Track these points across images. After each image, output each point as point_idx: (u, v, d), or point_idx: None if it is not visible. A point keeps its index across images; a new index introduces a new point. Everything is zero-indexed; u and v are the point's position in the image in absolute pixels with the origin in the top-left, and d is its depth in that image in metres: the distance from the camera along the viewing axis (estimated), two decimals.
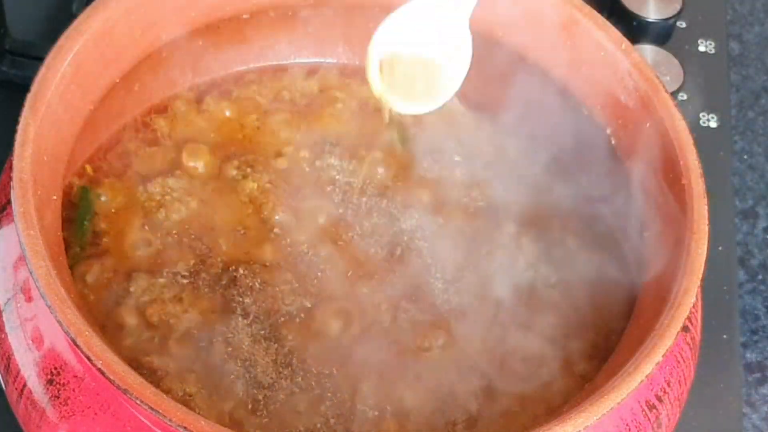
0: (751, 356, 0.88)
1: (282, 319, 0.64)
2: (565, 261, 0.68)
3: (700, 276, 0.58)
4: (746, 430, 0.83)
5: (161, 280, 0.64)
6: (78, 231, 0.66)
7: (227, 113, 0.73)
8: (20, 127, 0.59)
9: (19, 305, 0.58)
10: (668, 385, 0.60)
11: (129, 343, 0.62)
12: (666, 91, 0.66)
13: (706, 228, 0.60)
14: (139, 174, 0.69)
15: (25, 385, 0.57)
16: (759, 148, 1.00)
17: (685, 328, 0.60)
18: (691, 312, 0.57)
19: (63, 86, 0.61)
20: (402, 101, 0.64)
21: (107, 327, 0.62)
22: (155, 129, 0.71)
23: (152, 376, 0.60)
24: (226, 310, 0.64)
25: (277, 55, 0.76)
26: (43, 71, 0.61)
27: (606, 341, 0.65)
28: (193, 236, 0.67)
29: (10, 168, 0.58)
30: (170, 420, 0.50)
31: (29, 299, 0.58)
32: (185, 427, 0.50)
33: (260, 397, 0.61)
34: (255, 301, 0.64)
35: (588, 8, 0.69)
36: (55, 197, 0.60)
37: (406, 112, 0.66)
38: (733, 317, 0.80)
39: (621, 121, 0.68)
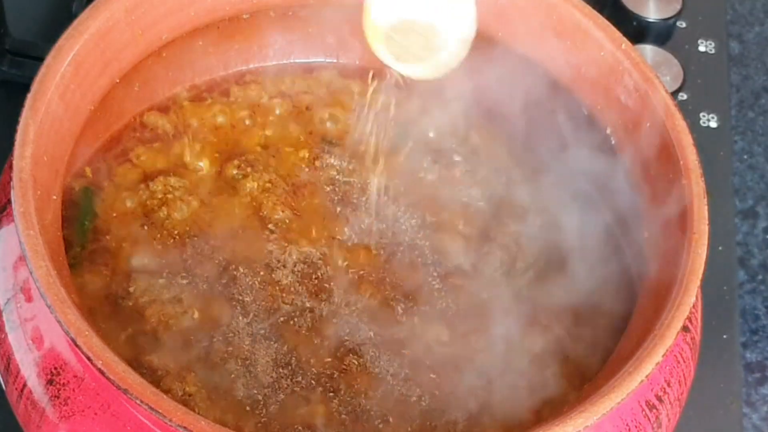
0: (751, 356, 0.88)
1: (282, 318, 0.64)
2: (565, 261, 0.68)
3: (700, 276, 0.58)
4: (746, 430, 0.83)
5: (161, 281, 0.64)
6: (78, 231, 0.66)
7: (227, 113, 0.73)
8: (20, 127, 0.59)
9: (19, 305, 0.58)
10: (668, 385, 0.60)
11: (129, 343, 0.62)
12: (666, 91, 0.66)
13: (706, 228, 0.60)
14: (140, 174, 0.69)
15: (25, 385, 0.57)
16: (759, 148, 1.00)
17: (685, 328, 0.60)
18: (691, 312, 0.57)
19: (63, 86, 0.61)
20: (408, 66, 0.64)
21: (107, 326, 0.62)
22: (155, 129, 0.71)
23: (152, 376, 0.60)
24: (225, 310, 0.64)
25: (277, 55, 0.76)
26: (43, 71, 0.61)
27: (606, 341, 0.65)
28: (193, 235, 0.67)
29: (10, 168, 0.58)
30: (170, 420, 0.50)
31: (29, 299, 0.58)
32: (185, 427, 0.50)
33: (260, 397, 0.61)
34: (255, 300, 0.64)
35: (588, 8, 0.69)
36: (55, 197, 0.60)
37: (415, 77, 0.65)
38: (733, 317, 0.80)
39: (621, 121, 0.68)
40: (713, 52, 0.94)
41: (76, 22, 0.64)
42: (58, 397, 0.56)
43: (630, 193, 0.67)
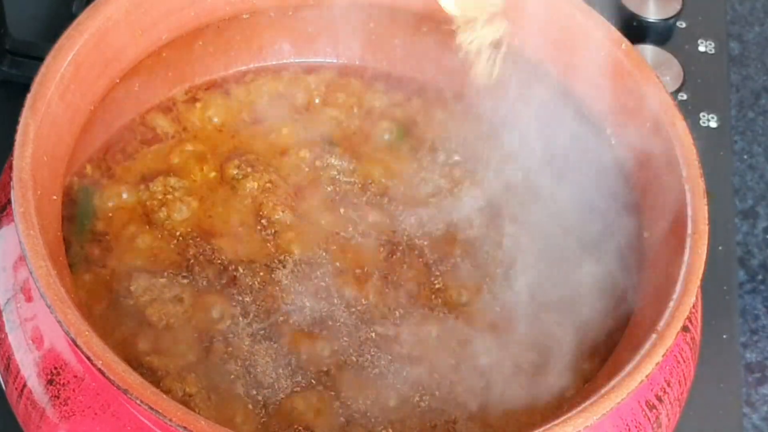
0: (751, 356, 0.88)
1: (282, 318, 0.64)
2: (565, 261, 0.68)
3: (700, 276, 0.58)
4: (746, 430, 0.83)
5: (162, 280, 0.64)
6: (78, 231, 0.66)
7: (227, 113, 0.73)
8: (20, 127, 0.59)
9: (19, 305, 0.58)
10: (668, 385, 0.60)
11: (129, 343, 0.62)
12: (666, 91, 0.66)
13: (706, 228, 0.60)
14: (140, 174, 0.69)
15: (25, 385, 0.57)
16: (759, 148, 1.00)
17: (685, 328, 0.60)
18: (691, 312, 0.57)
19: (63, 86, 0.61)
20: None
21: (107, 326, 0.62)
22: (155, 129, 0.71)
23: (152, 376, 0.60)
24: (226, 310, 0.64)
25: (277, 55, 0.76)
26: (43, 71, 0.61)
27: (606, 341, 0.65)
28: (193, 235, 0.67)
29: (10, 168, 0.58)
30: (170, 420, 0.50)
31: (29, 299, 0.58)
32: (185, 427, 0.50)
33: (260, 397, 0.61)
34: (254, 300, 0.64)
35: (588, 8, 0.69)
36: (55, 197, 0.60)
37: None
38: (733, 317, 0.80)
39: (621, 121, 0.68)
40: (713, 52, 0.94)
41: (76, 22, 0.64)
42: (58, 397, 0.56)
43: (630, 192, 0.67)
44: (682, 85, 0.90)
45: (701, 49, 0.94)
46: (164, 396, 0.51)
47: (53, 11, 0.90)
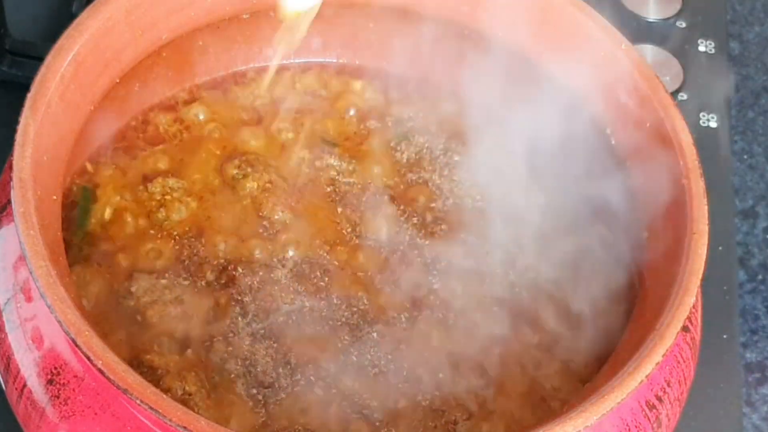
0: (751, 356, 0.88)
1: (282, 318, 0.64)
2: (564, 261, 0.68)
3: (700, 276, 0.58)
4: (746, 430, 0.83)
5: (162, 281, 0.64)
6: (78, 231, 0.66)
7: (227, 113, 0.73)
8: (20, 127, 0.59)
9: (19, 305, 0.58)
10: (668, 385, 0.60)
11: (129, 343, 0.62)
12: (666, 91, 0.66)
13: (706, 228, 0.60)
14: (140, 174, 0.69)
15: (25, 385, 0.57)
16: (759, 148, 1.00)
17: (685, 328, 0.60)
18: (691, 312, 0.57)
19: (63, 86, 0.61)
20: None
21: (107, 326, 0.62)
22: (155, 129, 0.71)
23: (152, 376, 0.60)
24: (225, 309, 0.64)
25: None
26: (43, 71, 0.61)
27: (606, 341, 0.65)
28: (192, 236, 0.67)
29: (10, 168, 0.58)
30: (170, 420, 0.50)
31: (29, 299, 0.58)
32: (185, 427, 0.50)
33: (260, 397, 0.61)
34: (254, 299, 0.64)
35: (588, 8, 0.69)
36: (55, 197, 0.60)
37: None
38: (733, 317, 0.80)
39: (621, 121, 0.68)
40: (713, 52, 0.94)
41: (76, 22, 0.64)
42: (58, 397, 0.56)
43: (630, 193, 0.67)
44: (682, 85, 0.90)
45: (701, 49, 0.94)
46: (164, 396, 0.51)
47: (53, 11, 0.90)
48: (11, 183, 0.57)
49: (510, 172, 0.72)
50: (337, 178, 0.71)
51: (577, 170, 0.71)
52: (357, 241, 0.68)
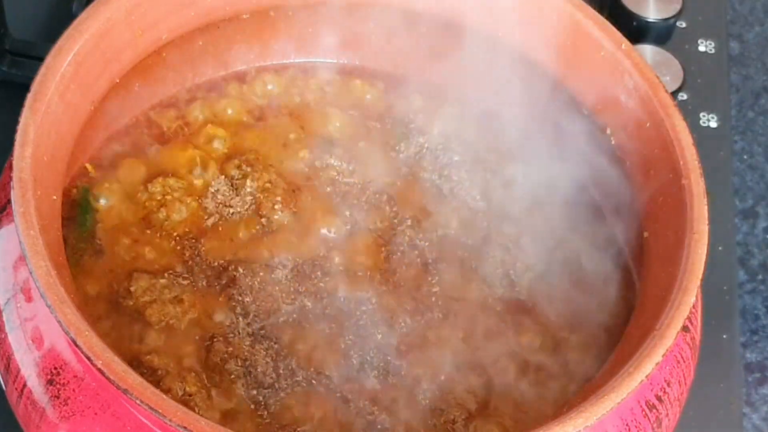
0: (751, 356, 0.88)
1: (282, 318, 0.64)
2: (565, 261, 0.68)
3: (700, 276, 0.58)
4: (746, 430, 0.83)
5: (162, 281, 0.64)
6: (78, 231, 0.66)
7: (227, 113, 0.73)
8: (20, 127, 0.59)
9: (19, 305, 0.58)
10: (668, 385, 0.60)
11: (129, 343, 0.62)
12: (666, 91, 0.66)
13: (706, 228, 0.60)
14: (139, 174, 0.69)
15: (25, 385, 0.57)
16: (759, 148, 1.00)
17: (685, 328, 0.60)
18: (691, 312, 0.57)
19: (63, 86, 0.61)
20: None
21: (107, 326, 0.62)
22: (155, 129, 0.71)
23: (152, 376, 0.60)
24: (226, 310, 0.64)
25: (277, 55, 0.76)
26: (43, 71, 0.61)
27: (606, 341, 0.65)
28: (192, 236, 0.67)
29: (10, 168, 0.58)
30: (170, 420, 0.50)
31: (29, 299, 0.58)
32: (185, 427, 0.50)
33: (260, 397, 0.61)
34: (254, 300, 0.64)
35: (588, 8, 0.69)
36: (55, 197, 0.60)
37: None
38: (733, 317, 0.80)
39: (621, 121, 0.68)
40: (713, 52, 0.94)
41: (76, 22, 0.64)
42: (58, 397, 0.56)
43: (630, 193, 0.67)
44: (682, 85, 0.90)
45: (701, 49, 0.94)
46: (164, 396, 0.51)
47: (53, 11, 0.90)
48: (11, 183, 0.57)
49: (509, 170, 0.72)
50: (337, 178, 0.71)
51: (577, 170, 0.71)
52: (357, 242, 0.68)
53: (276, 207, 0.68)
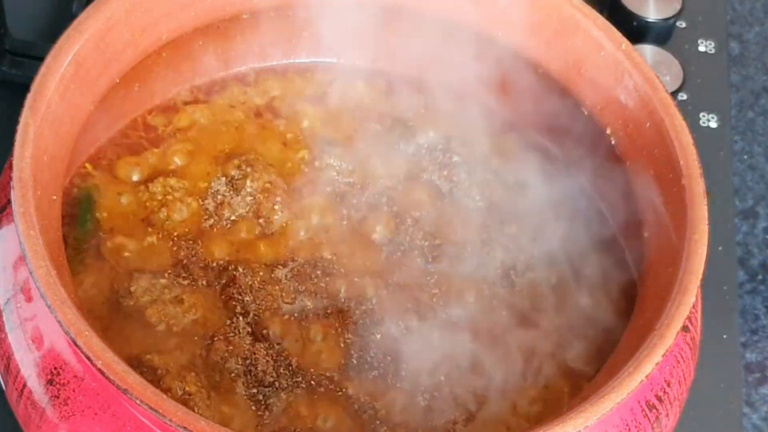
0: (751, 356, 0.88)
1: (282, 317, 0.64)
2: (564, 261, 0.68)
3: (700, 276, 0.58)
4: (746, 430, 0.83)
5: (162, 281, 0.64)
6: (78, 231, 0.66)
7: (227, 113, 0.73)
8: (20, 127, 0.59)
9: (19, 305, 0.58)
10: (668, 385, 0.60)
11: (129, 343, 0.62)
12: (666, 91, 0.66)
13: (706, 228, 0.60)
14: (139, 174, 0.69)
15: (25, 385, 0.57)
16: (759, 148, 1.00)
17: (685, 328, 0.60)
18: (691, 312, 0.57)
19: (63, 86, 0.61)
20: None
21: (107, 326, 0.62)
22: (155, 129, 0.71)
23: (152, 376, 0.60)
24: (226, 309, 0.64)
25: (277, 55, 0.76)
26: (43, 71, 0.61)
27: (606, 341, 0.65)
28: (193, 236, 0.67)
29: (10, 168, 0.58)
30: (170, 420, 0.50)
31: (29, 299, 0.58)
32: (185, 427, 0.50)
33: (260, 396, 0.61)
34: (254, 299, 0.64)
35: (588, 8, 0.69)
36: (55, 197, 0.60)
37: None
38: (733, 317, 0.80)
39: (621, 121, 0.68)
40: (713, 52, 0.94)
41: (76, 22, 0.64)
42: (58, 397, 0.56)
43: (630, 193, 0.67)
44: (682, 85, 0.90)
45: (701, 49, 0.94)
46: (164, 396, 0.51)
47: (53, 11, 0.90)
48: (11, 183, 0.57)
49: (509, 170, 0.72)
50: (337, 178, 0.71)
51: (577, 170, 0.71)
52: (357, 242, 0.68)
53: (276, 207, 0.68)
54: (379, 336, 0.64)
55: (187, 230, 0.67)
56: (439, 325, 0.65)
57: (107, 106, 0.67)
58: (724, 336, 0.78)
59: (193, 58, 0.73)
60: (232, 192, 0.69)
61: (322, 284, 0.66)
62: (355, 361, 0.63)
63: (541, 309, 0.66)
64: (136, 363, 0.61)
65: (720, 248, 0.82)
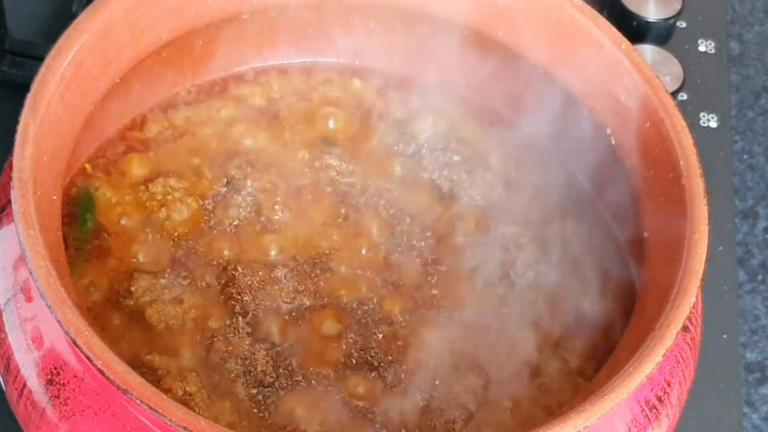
0: (751, 356, 0.88)
1: (282, 318, 0.64)
2: (564, 261, 0.68)
3: (700, 276, 0.58)
4: (746, 430, 0.83)
5: (162, 281, 0.64)
6: (78, 231, 0.66)
7: (227, 113, 0.73)
8: (20, 127, 0.59)
9: (19, 305, 0.58)
10: (668, 385, 0.60)
11: (129, 343, 0.62)
12: (666, 91, 0.66)
13: (706, 228, 0.60)
14: (140, 174, 0.69)
15: (25, 385, 0.57)
16: (759, 148, 1.00)
17: (685, 328, 0.60)
18: (691, 312, 0.57)
19: (63, 86, 0.61)
20: None
21: (107, 326, 0.62)
22: (156, 129, 0.71)
23: (152, 376, 0.60)
24: (225, 309, 0.64)
25: (277, 55, 0.76)
26: (43, 71, 0.61)
27: (606, 341, 0.65)
28: (193, 236, 0.67)
29: (10, 168, 0.58)
30: (170, 420, 0.50)
31: (29, 299, 0.58)
32: (185, 427, 0.50)
33: (260, 397, 0.61)
34: (254, 299, 0.64)
35: (588, 8, 0.69)
36: (55, 197, 0.60)
37: None
38: (733, 317, 0.80)
39: (621, 121, 0.68)
40: (713, 52, 0.94)
41: (76, 22, 0.64)
42: (58, 397, 0.56)
43: (629, 193, 0.67)
44: (682, 85, 0.90)
45: (701, 49, 0.94)
46: (164, 396, 0.51)
47: (53, 11, 0.90)
48: (11, 183, 0.57)
49: (509, 170, 0.72)
50: (337, 178, 0.71)
51: (577, 170, 0.71)
52: (356, 242, 0.68)
53: (276, 207, 0.68)
54: (379, 335, 0.64)
55: (187, 230, 0.67)
56: (439, 324, 0.65)
57: (107, 106, 0.67)
58: (724, 336, 0.78)
59: (193, 58, 0.73)
60: (232, 192, 0.69)
61: (322, 284, 0.66)
62: (354, 361, 0.63)
63: (541, 309, 0.66)
64: (136, 363, 0.61)
65: (720, 248, 0.82)
